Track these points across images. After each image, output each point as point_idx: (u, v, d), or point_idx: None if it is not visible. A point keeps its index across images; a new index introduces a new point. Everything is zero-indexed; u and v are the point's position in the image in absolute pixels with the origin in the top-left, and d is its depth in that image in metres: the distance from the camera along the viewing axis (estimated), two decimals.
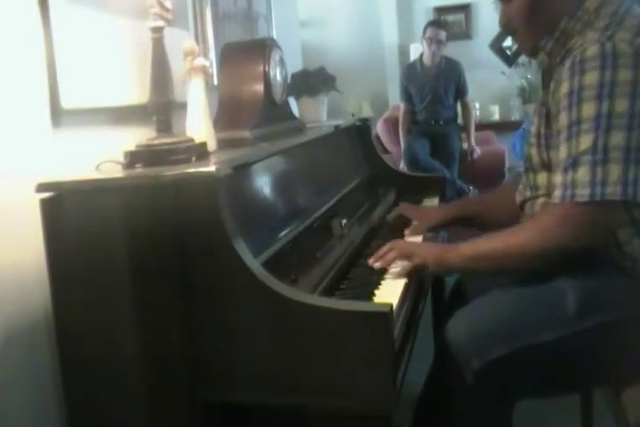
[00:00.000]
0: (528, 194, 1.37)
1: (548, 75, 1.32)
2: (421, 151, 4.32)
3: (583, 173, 1.13)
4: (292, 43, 3.10)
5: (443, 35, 4.29)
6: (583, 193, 1.13)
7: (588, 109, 1.13)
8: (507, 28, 1.36)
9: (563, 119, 1.18)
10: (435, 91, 4.38)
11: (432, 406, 1.35)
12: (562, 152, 1.18)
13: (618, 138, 1.11)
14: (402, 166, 4.27)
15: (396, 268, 1.36)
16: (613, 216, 1.17)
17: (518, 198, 1.42)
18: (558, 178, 1.18)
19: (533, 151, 1.32)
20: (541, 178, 1.31)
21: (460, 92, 4.46)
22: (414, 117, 4.49)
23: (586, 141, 1.13)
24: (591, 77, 1.13)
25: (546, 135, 1.27)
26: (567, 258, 1.19)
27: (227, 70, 1.64)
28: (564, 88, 1.17)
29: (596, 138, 1.12)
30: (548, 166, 1.28)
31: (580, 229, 1.15)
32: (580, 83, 1.14)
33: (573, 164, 1.14)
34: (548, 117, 1.26)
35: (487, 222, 1.66)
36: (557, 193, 1.17)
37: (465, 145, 4.50)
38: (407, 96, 4.48)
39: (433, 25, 4.37)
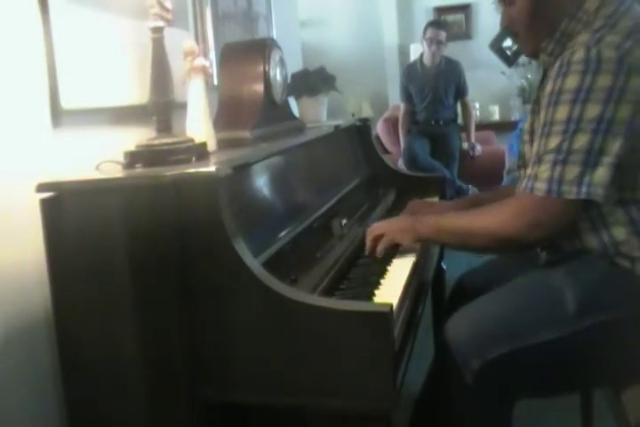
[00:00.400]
0: None
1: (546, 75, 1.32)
2: (421, 151, 4.33)
3: (544, 170, 1.18)
4: (292, 43, 3.10)
5: (443, 35, 4.30)
6: (541, 188, 1.18)
7: (562, 112, 1.16)
8: (508, 29, 1.37)
9: (541, 117, 1.22)
10: (435, 91, 4.39)
11: (431, 406, 1.35)
12: (534, 148, 1.23)
13: (581, 141, 1.15)
14: (400, 166, 4.27)
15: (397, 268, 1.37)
16: (567, 213, 1.19)
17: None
18: (527, 171, 1.23)
19: (526, 148, 1.35)
20: None
21: (460, 92, 4.46)
22: (414, 117, 4.50)
23: (553, 142, 1.17)
24: (571, 81, 1.15)
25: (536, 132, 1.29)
26: (523, 247, 1.26)
27: (227, 70, 1.64)
28: (548, 87, 1.20)
29: (562, 141, 1.16)
30: None
31: (532, 220, 1.20)
32: (560, 85, 1.17)
33: (539, 160, 1.19)
34: (539, 115, 1.27)
35: None
36: (522, 184, 1.22)
37: (465, 145, 4.51)
38: (407, 96, 4.48)
39: (433, 25, 4.38)
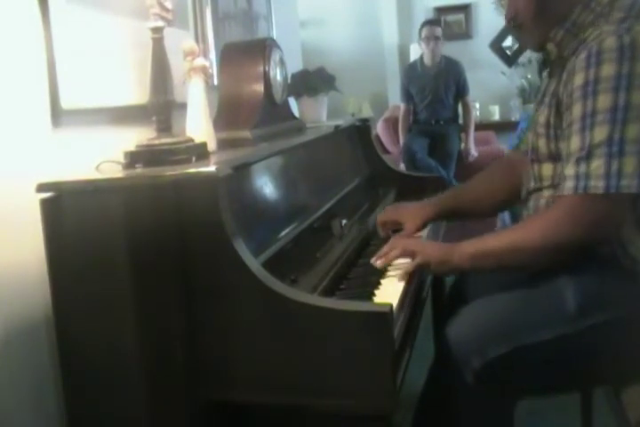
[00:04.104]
0: (532, 185, 1.35)
1: (557, 65, 1.30)
2: (420, 150, 4.34)
3: (598, 166, 1.12)
4: (292, 43, 3.10)
5: (438, 31, 4.36)
6: (598, 185, 1.12)
7: (604, 101, 1.12)
8: (513, 21, 1.35)
9: (576, 110, 1.16)
10: (435, 90, 4.41)
11: (432, 406, 1.35)
12: (574, 143, 1.16)
13: (634, 130, 1.11)
14: (402, 166, 4.28)
15: (397, 268, 1.36)
16: (624, 210, 1.15)
17: (522, 190, 1.41)
18: (570, 170, 1.16)
19: (541, 142, 1.30)
20: (546, 169, 1.30)
21: (461, 92, 4.48)
22: (415, 117, 4.52)
23: (601, 133, 1.12)
24: (608, 69, 1.12)
25: (555, 125, 1.26)
26: (575, 254, 1.18)
27: (227, 70, 1.64)
28: (579, 79, 1.16)
29: (612, 130, 1.11)
30: (554, 157, 1.27)
31: (592, 221, 1.14)
32: (595, 74, 1.13)
33: (587, 156, 1.14)
34: (559, 108, 1.24)
35: (478, 212, 1.65)
36: (569, 184, 1.16)
37: (463, 145, 4.52)
38: (407, 97, 4.50)
39: (427, 24, 4.44)
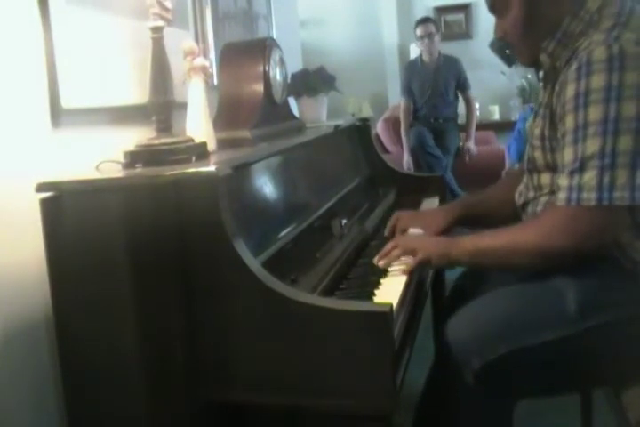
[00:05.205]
0: (531, 194, 1.36)
1: (550, 76, 1.31)
2: (430, 140, 4.37)
3: (590, 177, 1.12)
4: (292, 43, 3.10)
5: (431, 27, 4.43)
6: (590, 197, 1.12)
7: (596, 113, 1.12)
8: (502, 40, 1.36)
9: (569, 122, 1.17)
10: (434, 86, 4.46)
11: (432, 406, 1.35)
12: (567, 155, 1.17)
13: (626, 142, 1.11)
14: (407, 165, 4.31)
15: (399, 267, 1.36)
16: (617, 221, 1.16)
17: (519, 199, 1.42)
18: (564, 181, 1.17)
19: (537, 154, 1.31)
20: (545, 178, 1.31)
21: (461, 87, 4.52)
22: (415, 114, 4.55)
23: (593, 145, 1.12)
24: (598, 80, 1.12)
25: (550, 137, 1.27)
26: (569, 261, 1.19)
27: (227, 70, 1.64)
28: (571, 90, 1.16)
29: (604, 142, 1.11)
30: (552, 168, 1.28)
31: (584, 232, 1.15)
32: (586, 85, 1.13)
33: (580, 167, 1.14)
34: (553, 119, 1.25)
35: (493, 221, 1.64)
36: (562, 196, 1.16)
37: (463, 144, 4.53)
38: (408, 92, 4.54)
39: (420, 23, 4.52)
